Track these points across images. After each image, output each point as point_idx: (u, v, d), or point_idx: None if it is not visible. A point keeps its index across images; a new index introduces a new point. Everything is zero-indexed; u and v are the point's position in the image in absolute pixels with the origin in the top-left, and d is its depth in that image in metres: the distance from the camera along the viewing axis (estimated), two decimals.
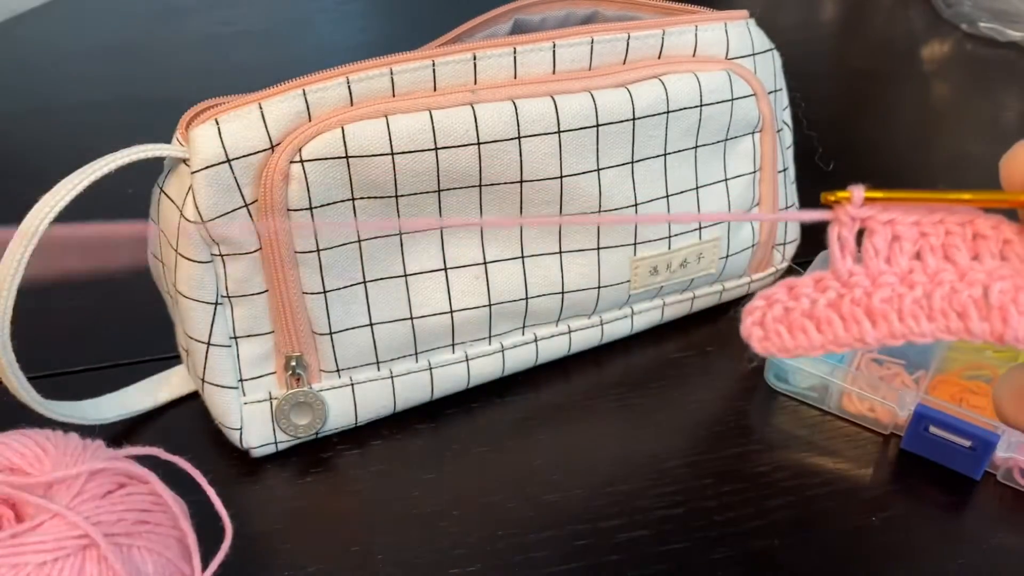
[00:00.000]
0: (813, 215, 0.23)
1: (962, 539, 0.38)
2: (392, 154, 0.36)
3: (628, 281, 0.44)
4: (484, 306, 0.41)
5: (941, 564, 0.37)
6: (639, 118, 0.40)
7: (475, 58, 0.38)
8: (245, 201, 0.36)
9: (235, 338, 0.38)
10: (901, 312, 0.22)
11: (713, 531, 0.37)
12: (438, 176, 0.38)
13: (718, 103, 0.42)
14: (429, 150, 0.37)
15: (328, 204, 0.37)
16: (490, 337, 0.43)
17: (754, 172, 0.45)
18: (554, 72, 0.39)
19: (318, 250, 0.37)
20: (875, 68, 0.75)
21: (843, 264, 0.22)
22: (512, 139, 0.38)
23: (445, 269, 0.40)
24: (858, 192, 0.22)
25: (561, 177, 0.39)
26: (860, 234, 0.23)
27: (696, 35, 0.42)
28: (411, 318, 0.40)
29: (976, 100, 0.72)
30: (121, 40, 0.74)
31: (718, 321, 0.48)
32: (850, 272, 0.22)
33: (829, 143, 0.61)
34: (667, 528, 0.37)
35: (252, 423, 0.40)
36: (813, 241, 0.50)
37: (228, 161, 0.35)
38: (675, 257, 0.44)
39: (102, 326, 0.47)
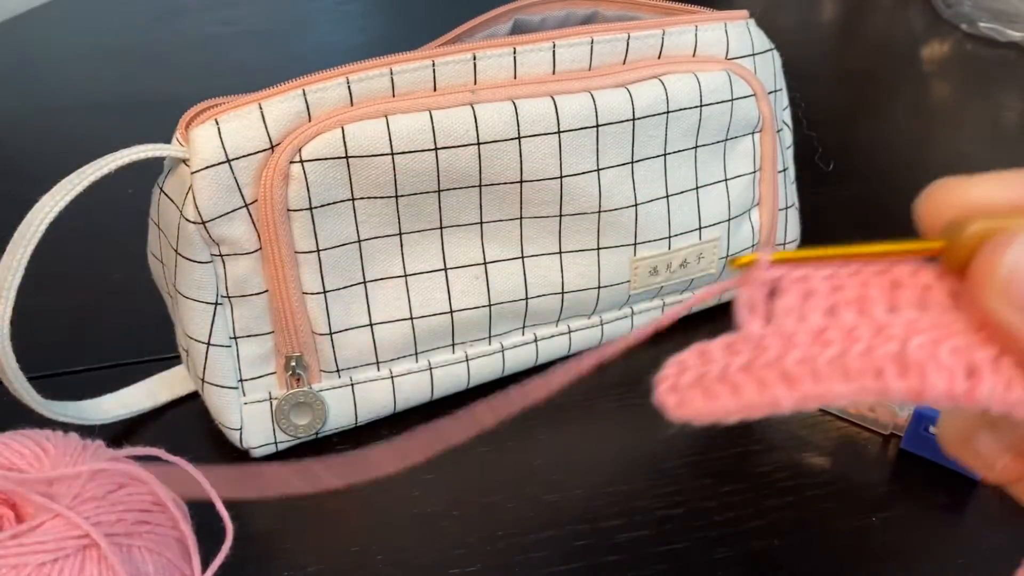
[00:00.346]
0: (724, 286, 0.23)
1: (962, 539, 0.38)
2: (392, 154, 0.36)
3: (628, 281, 0.44)
4: (484, 306, 0.41)
5: (941, 564, 0.37)
6: (639, 118, 0.40)
7: (475, 58, 0.38)
8: (245, 201, 0.36)
9: (235, 338, 0.38)
10: (816, 373, 0.20)
11: (713, 531, 0.37)
12: (438, 176, 0.38)
13: (718, 103, 0.42)
14: (429, 150, 0.37)
15: (328, 204, 0.37)
16: (490, 337, 0.43)
17: (754, 172, 0.45)
18: (554, 72, 0.39)
19: (318, 250, 0.37)
20: (875, 68, 0.75)
21: (753, 326, 0.21)
22: (512, 139, 0.38)
23: (445, 269, 0.40)
24: (764, 256, 0.22)
25: (561, 177, 0.39)
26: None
27: (696, 35, 0.42)
28: (411, 318, 0.40)
29: (976, 100, 0.72)
30: (121, 40, 0.74)
31: (718, 321, 0.48)
32: (761, 334, 0.21)
33: (829, 143, 0.61)
34: (667, 528, 0.37)
35: (252, 423, 0.40)
36: (814, 241, 0.50)
37: (228, 161, 0.35)
38: (675, 257, 0.44)
39: (102, 326, 0.47)
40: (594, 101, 0.39)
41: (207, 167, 0.35)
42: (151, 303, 0.42)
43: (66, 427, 0.34)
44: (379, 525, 0.38)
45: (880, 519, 0.38)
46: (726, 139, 0.44)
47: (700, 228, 0.45)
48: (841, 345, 0.21)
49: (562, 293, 0.42)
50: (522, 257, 0.41)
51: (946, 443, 0.23)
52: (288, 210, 0.36)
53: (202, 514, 0.32)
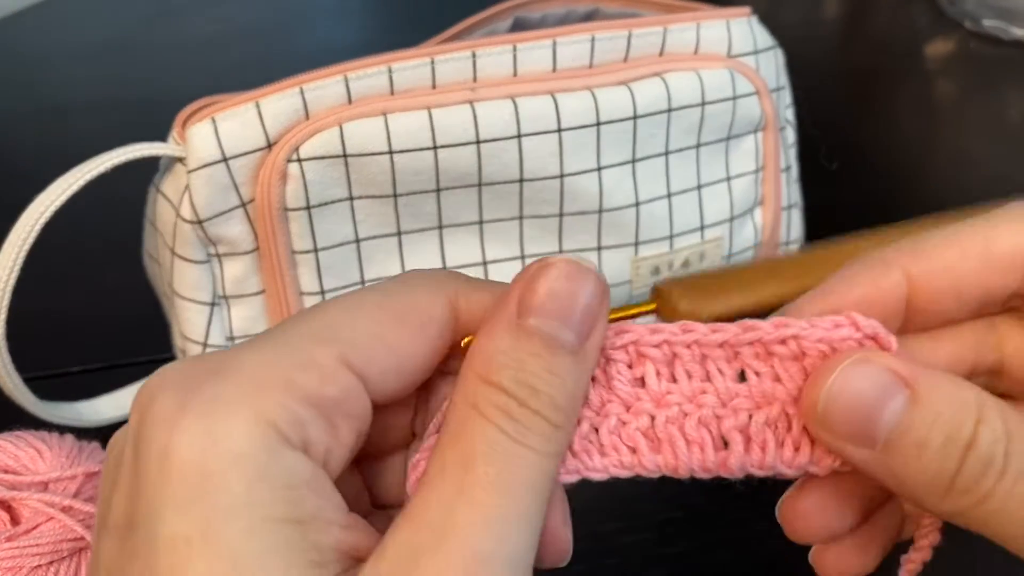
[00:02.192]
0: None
1: (964, 540, 0.37)
2: (391, 153, 0.36)
3: (630, 281, 0.43)
4: None
5: (943, 566, 0.37)
6: (640, 116, 0.40)
7: (475, 56, 0.37)
8: (242, 200, 0.36)
9: (232, 339, 0.38)
10: (593, 449, 0.21)
11: (715, 534, 0.37)
12: (437, 175, 0.37)
13: (720, 101, 0.42)
14: (428, 149, 0.37)
15: (326, 203, 0.36)
16: None
17: (757, 171, 0.45)
18: (554, 70, 0.39)
19: (316, 250, 0.37)
20: (878, 66, 0.75)
21: (595, 395, 0.21)
22: (512, 138, 0.38)
23: (444, 269, 0.40)
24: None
25: (561, 176, 0.39)
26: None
27: (698, 32, 0.42)
28: None
29: (980, 98, 0.71)
30: (116, 38, 0.73)
31: None
32: (601, 401, 0.22)
33: (832, 141, 0.61)
34: (668, 532, 0.37)
35: None
36: (817, 239, 0.49)
37: (225, 160, 0.35)
38: (677, 257, 0.44)
39: (98, 327, 0.47)
40: (595, 99, 0.39)
41: (203, 166, 0.35)
42: (147, 304, 0.41)
43: (62, 429, 0.34)
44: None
45: None
46: (728, 137, 0.44)
47: (702, 227, 0.44)
48: (616, 418, 0.21)
49: None
50: (522, 257, 0.41)
51: (785, 524, 0.24)
52: (285, 209, 0.36)
53: None
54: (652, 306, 0.22)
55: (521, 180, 0.39)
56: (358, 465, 0.24)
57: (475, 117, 0.37)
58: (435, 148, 0.37)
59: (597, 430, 0.21)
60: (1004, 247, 0.22)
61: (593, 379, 0.21)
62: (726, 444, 0.21)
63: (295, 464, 0.18)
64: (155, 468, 0.18)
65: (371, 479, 0.24)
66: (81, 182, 0.34)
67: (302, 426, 0.19)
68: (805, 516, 0.24)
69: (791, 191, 0.48)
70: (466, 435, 0.19)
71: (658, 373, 0.22)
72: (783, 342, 0.21)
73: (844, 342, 0.21)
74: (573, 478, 0.21)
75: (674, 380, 0.22)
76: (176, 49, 0.71)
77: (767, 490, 0.39)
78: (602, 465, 0.21)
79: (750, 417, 0.21)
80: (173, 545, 0.17)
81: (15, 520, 0.31)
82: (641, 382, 0.22)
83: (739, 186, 0.45)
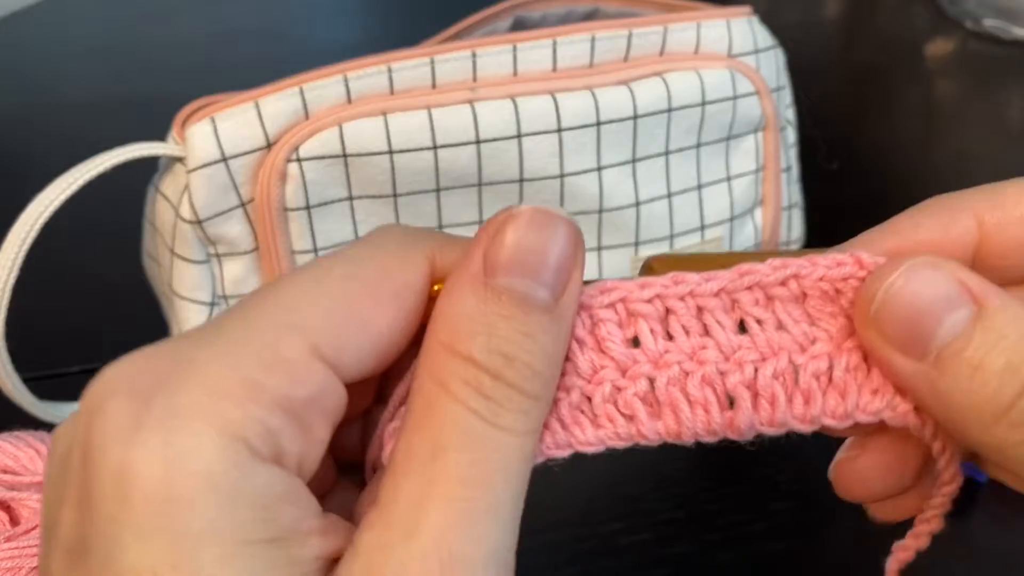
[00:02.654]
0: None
1: (967, 542, 0.37)
2: (390, 153, 0.36)
3: None
4: None
5: (945, 568, 0.36)
6: (640, 116, 0.40)
7: (474, 55, 0.37)
8: (242, 200, 0.35)
9: None
10: (582, 419, 0.19)
11: (716, 534, 0.37)
12: (437, 175, 0.37)
13: (720, 101, 0.42)
14: (428, 149, 0.36)
15: (325, 203, 0.36)
16: None
17: (757, 171, 0.45)
18: (554, 70, 0.39)
19: (315, 250, 0.37)
20: (879, 66, 0.75)
21: (584, 360, 0.19)
22: (512, 138, 0.37)
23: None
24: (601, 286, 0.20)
25: (562, 176, 0.39)
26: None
27: (698, 32, 0.42)
28: None
29: (980, 98, 0.71)
30: (115, 38, 0.73)
31: None
32: (593, 367, 0.20)
33: (833, 141, 0.61)
34: (669, 532, 0.37)
35: None
36: (817, 239, 0.49)
37: (224, 160, 0.35)
38: None
39: (97, 327, 0.47)
40: (595, 99, 0.39)
41: (203, 166, 0.35)
42: (147, 304, 0.41)
43: None
44: None
45: (884, 522, 0.38)
46: (728, 137, 0.43)
47: (702, 227, 0.44)
48: (611, 384, 0.19)
49: None
50: None
51: (838, 487, 0.23)
52: (285, 209, 0.36)
53: None
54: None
55: (521, 180, 0.39)
56: None
57: (475, 117, 0.37)
58: (435, 148, 0.37)
59: (590, 399, 0.19)
60: None
61: (581, 343, 0.20)
62: (732, 403, 0.20)
63: (269, 479, 0.17)
64: (111, 488, 0.16)
65: (335, 442, 0.21)
66: (80, 182, 0.34)
67: (273, 436, 0.17)
68: (864, 479, 0.22)
69: (791, 191, 0.47)
70: (434, 418, 0.17)
71: (652, 331, 0.20)
72: (783, 283, 0.20)
73: (847, 282, 0.20)
74: (564, 453, 0.20)
75: (671, 338, 0.20)
76: (175, 48, 0.71)
77: (767, 491, 0.39)
78: (596, 437, 0.20)
79: (756, 370, 0.19)
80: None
81: (14, 520, 0.31)
82: (635, 343, 0.20)
83: (739, 186, 0.45)
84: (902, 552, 0.23)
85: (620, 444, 0.20)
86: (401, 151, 0.36)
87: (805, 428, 0.20)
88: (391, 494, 0.17)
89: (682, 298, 0.20)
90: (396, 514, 0.17)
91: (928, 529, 0.23)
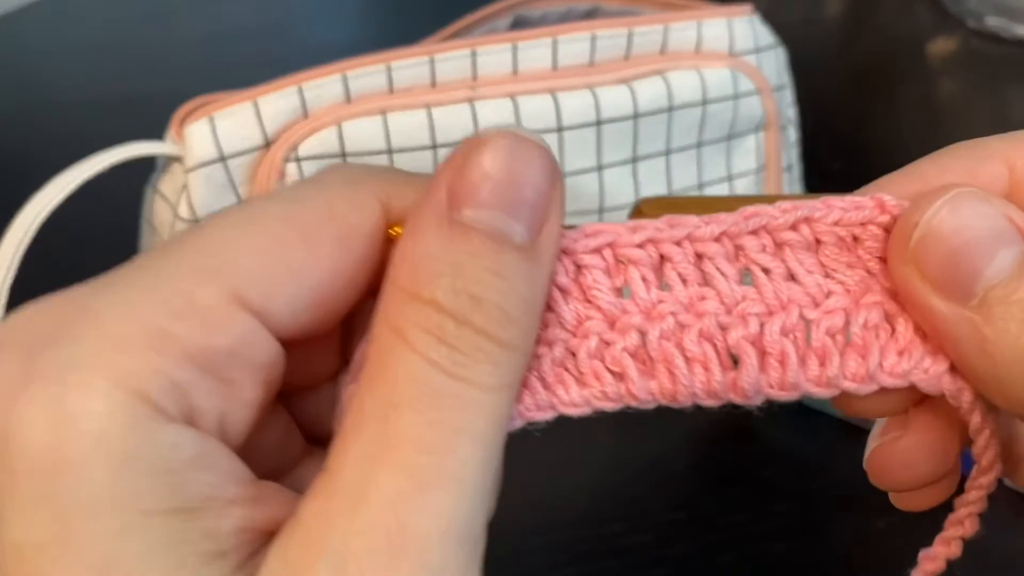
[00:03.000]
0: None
1: (969, 543, 0.37)
2: (390, 152, 0.36)
3: None
4: None
5: (947, 572, 0.36)
6: (641, 115, 0.40)
7: (474, 54, 0.37)
8: (240, 200, 0.35)
9: None
10: (565, 377, 0.17)
11: (716, 535, 0.37)
12: None
13: (721, 100, 0.42)
14: (427, 148, 0.36)
15: None
16: None
17: (758, 170, 0.45)
18: (555, 68, 0.39)
19: None
20: (881, 64, 0.75)
21: (568, 311, 0.17)
22: None
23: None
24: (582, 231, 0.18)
25: (562, 176, 0.39)
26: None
27: (699, 30, 0.41)
28: None
29: (982, 97, 0.71)
30: (113, 37, 0.73)
31: None
32: (578, 318, 0.17)
33: (834, 140, 0.60)
34: (670, 533, 0.37)
35: None
36: None
37: (223, 159, 0.34)
38: None
39: None
40: (596, 98, 0.38)
41: (201, 165, 0.34)
42: None
43: None
44: None
45: (885, 523, 0.37)
46: (730, 136, 0.43)
47: None
48: (598, 338, 0.17)
49: None
50: None
51: (872, 475, 0.21)
52: None
53: None
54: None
55: None
56: (284, 400, 0.19)
57: (474, 116, 0.37)
58: (434, 147, 0.36)
59: (574, 354, 0.17)
60: None
61: (564, 292, 0.17)
62: (735, 362, 0.17)
63: (175, 441, 0.15)
64: None
65: (302, 412, 0.20)
66: (78, 181, 0.34)
67: (182, 392, 0.15)
68: (908, 463, 0.20)
69: (793, 191, 0.47)
70: (388, 373, 0.15)
71: (645, 280, 0.17)
72: (793, 228, 0.17)
73: (865, 228, 0.17)
74: (546, 415, 0.17)
75: (666, 288, 0.17)
76: (173, 47, 0.71)
77: (768, 492, 0.39)
78: (582, 398, 0.17)
79: (762, 325, 0.17)
80: (20, 553, 0.14)
81: None
82: (624, 293, 0.18)
83: (741, 186, 0.45)
84: (929, 562, 0.21)
85: (608, 406, 0.17)
86: (400, 150, 0.36)
87: (822, 392, 0.17)
88: (338, 460, 0.15)
89: (678, 243, 0.17)
90: (342, 482, 0.15)
91: (960, 533, 0.20)
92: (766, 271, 0.17)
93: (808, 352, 0.17)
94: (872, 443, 0.21)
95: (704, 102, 0.41)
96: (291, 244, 0.16)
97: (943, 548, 0.20)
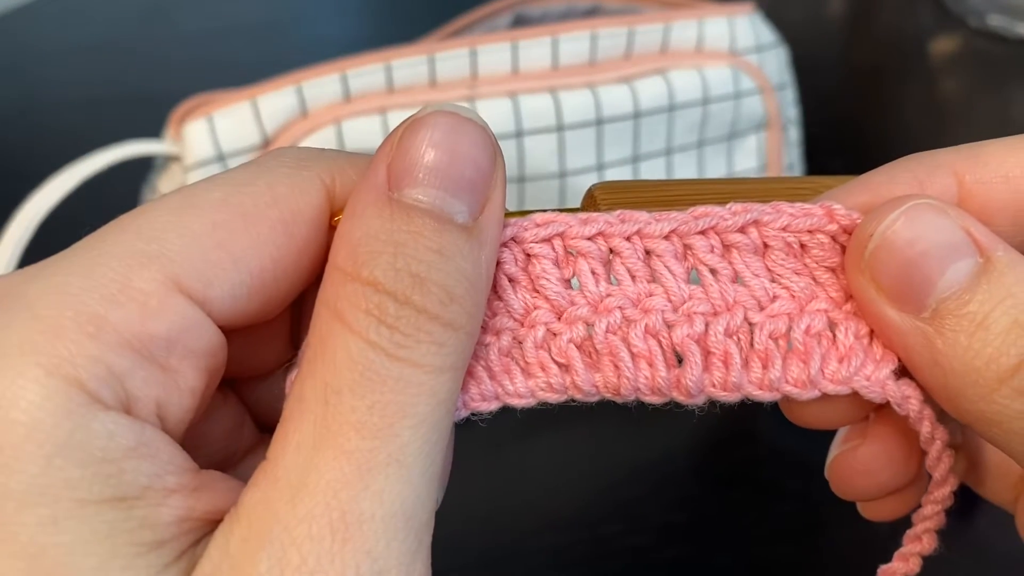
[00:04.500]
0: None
1: (970, 545, 0.37)
2: None
3: None
4: None
5: (948, 571, 0.36)
6: (642, 114, 0.39)
7: (474, 52, 0.37)
8: None
9: None
10: (512, 369, 0.17)
11: (716, 537, 0.37)
12: None
13: (723, 99, 0.41)
14: None
15: None
16: None
17: (760, 169, 0.45)
18: (555, 67, 0.39)
19: None
20: (883, 63, 0.74)
21: (516, 300, 0.17)
22: (512, 136, 0.37)
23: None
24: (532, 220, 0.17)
25: (562, 175, 0.39)
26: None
27: (700, 29, 0.41)
28: None
29: (985, 96, 0.71)
30: (111, 35, 0.73)
31: None
32: (526, 308, 0.17)
33: (836, 140, 0.60)
34: (669, 535, 0.37)
35: None
36: None
37: (222, 158, 0.34)
38: None
39: None
40: (596, 96, 0.38)
41: (200, 164, 0.34)
42: None
43: None
44: None
45: (886, 526, 0.37)
46: (731, 135, 0.43)
47: None
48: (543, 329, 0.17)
49: None
50: None
51: (833, 484, 0.21)
52: None
53: None
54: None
55: (521, 179, 0.38)
56: (236, 388, 0.19)
57: None
58: None
59: (521, 344, 0.17)
60: None
61: (512, 280, 0.17)
62: (679, 360, 0.17)
63: (111, 429, 0.14)
64: None
65: (254, 401, 0.19)
66: (77, 180, 0.34)
67: (119, 379, 0.15)
68: (867, 471, 0.20)
69: None
70: (327, 356, 0.15)
71: (594, 273, 0.17)
72: (742, 230, 0.17)
73: (813, 235, 0.17)
74: (491, 406, 0.17)
75: (613, 282, 0.18)
76: (171, 46, 0.71)
77: (767, 494, 0.39)
78: (527, 388, 0.17)
79: (707, 325, 0.17)
80: None
81: None
82: (573, 286, 0.18)
83: None
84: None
85: (553, 397, 0.18)
86: None
87: (764, 396, 0.18)
88: (280, 447, 0.15)
89: (628, 238, 0.17)
90: (282, 470, 0.14)
91: (918, 550, 0.20)
92: (713, 272, 0.18)
93: (752, 354, 0.17)
94: (832, 452, 0.21)
95: (705, 101, 0.41)
96: (232, 229, 0.16)
97: (901, 564, 0.20)
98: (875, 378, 0.17)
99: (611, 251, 0.18)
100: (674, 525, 0.37)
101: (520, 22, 0.43)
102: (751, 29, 0.43)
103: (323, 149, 0.17)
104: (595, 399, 0.18)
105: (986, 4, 0.78)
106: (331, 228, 0.17)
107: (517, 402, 0.18)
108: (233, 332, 0.17)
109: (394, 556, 0.14)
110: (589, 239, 0.17)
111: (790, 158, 0.46)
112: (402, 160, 0.16)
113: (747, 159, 0.44)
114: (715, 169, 0.43)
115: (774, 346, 0.17)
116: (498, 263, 0.17)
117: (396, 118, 0.36)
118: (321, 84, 0.35)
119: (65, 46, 0.73)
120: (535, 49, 0.38)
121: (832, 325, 0.18)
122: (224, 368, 0.17)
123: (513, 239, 0.17)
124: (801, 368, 0.17)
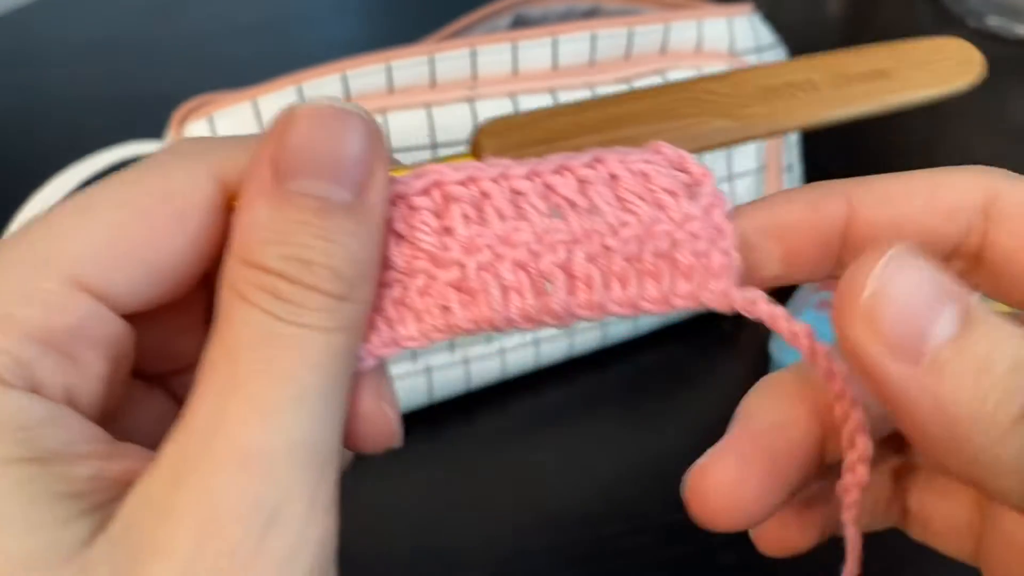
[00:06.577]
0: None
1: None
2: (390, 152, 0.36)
3: None
4: None
5: (949, 571, 0.36)
6: None
7: (474, 53, 0.37)
8: None
9: None
10: (405, 315, 0.19)
11: (717, 537, 0.37)
12: None
13: None
14: (427, 148, 0.36)
15: None
16: (490, 338, 0.42)
17: (759, 170, 0.45)
18: (555, 68, 0.39)
19: None
20: None
21: (399, 253, 0.19)
22: None
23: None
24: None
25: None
26: None
27: (699, 30, 0.41)
28: None
29: (983, 97, 0.71)
30: (112, 35, 0.73)
31: (723, 323, 0.47)
32: (407, 259, 0.19)
33: (835, 140, 0.60)
34: (670, 534, 0.37)
35: None
36: None
37: None
38: None
39: None
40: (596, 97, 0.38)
41: None
42: None
43: None
44: (375, 530, 0.37)
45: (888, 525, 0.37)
46: None
47: None
48: (424, 276, 0.19)
49: None
50: None
51: (690, 507, 0.20)
52: None
53: None
54: (467, 157, 0.21)
55: None
56: (165, 383, 0.21)
57: (474, 116, 0.36)
58: (434, 147, 0.36)
59: (407, 291, 0.19)
60: (951, 194, 0.20)
61: (399, 236, 0.19)
62: (548, 287, 0.19)
63: (22, 404, 0.16)
64: None
65: (184, 394, 0.20)
66: (78, 181, 0.34)
67: (26, 367, 0.17)
68: (719, 489, 0.20)
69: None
70: (231, 326, 0.17)
71: (466, 217, 0.19)
72: (590, 166, 0.19)
73: (649, 164, 0.19)
74: (392, 351, 0.19)
75: (484, 223, 0.19)
76: (172, 46, 0.71)
77: None
78: (419, 331, 0.19)
79: (569, 252, 0.19)
80: None
81: None
82: (450, 231, 0.19)
83: (741, 185, 0.44)
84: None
85: (441, 337, 0.19)
86: (400, 150, 0.36)
87: (625, 312, 0.19)
88: (192, 406, 0.16)
89: (495, 180, 0.19)
90: (197, 421, 0.16)
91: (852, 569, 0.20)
92: (572, 205, 0.19)
93: (611, 276, 0.19)
94: (693, 467, 0.20)
95: None
96: (127, 226, 0.17)
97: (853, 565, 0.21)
98: (718, 289, 0.19)
99: (483, 194, 0.19)
100: (676, 524, 0.37)
101: (520, 23, 0.43)
102: (750, 30, 0.43)
103: (215, 137, 0.19)
104: (480, 334, 0.19)
105: (985, 5, 0.78)
106: (230, 209, 0.18)
107: (413, 345, 0.19)
108: (148, 322, 0.18)
109: (297, 485, 0.16)
110: (461, 183, 0.19)
111: (789, 158, 0.46)
112: (282, 152, 0.17)
113: (746, 160, 0.44)
114: (714, 169, 0.43)
115: (629, 267, 0.19)
116: (388, 221, 0.19)
117: (396, 118, 0.36)
118: (322, 85, 0.35)
119: (65, 46, 0.73)
120: (535, 50, 0.38)
121: (676, 244, 0.19)
122: (132, 355, 0.19)
123: (399, 196, 0.19)
124: (655, 286, 0.19)
